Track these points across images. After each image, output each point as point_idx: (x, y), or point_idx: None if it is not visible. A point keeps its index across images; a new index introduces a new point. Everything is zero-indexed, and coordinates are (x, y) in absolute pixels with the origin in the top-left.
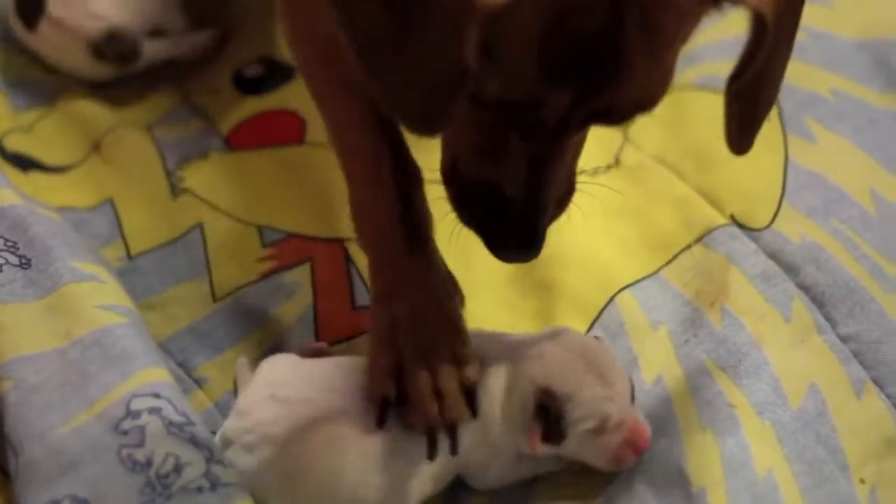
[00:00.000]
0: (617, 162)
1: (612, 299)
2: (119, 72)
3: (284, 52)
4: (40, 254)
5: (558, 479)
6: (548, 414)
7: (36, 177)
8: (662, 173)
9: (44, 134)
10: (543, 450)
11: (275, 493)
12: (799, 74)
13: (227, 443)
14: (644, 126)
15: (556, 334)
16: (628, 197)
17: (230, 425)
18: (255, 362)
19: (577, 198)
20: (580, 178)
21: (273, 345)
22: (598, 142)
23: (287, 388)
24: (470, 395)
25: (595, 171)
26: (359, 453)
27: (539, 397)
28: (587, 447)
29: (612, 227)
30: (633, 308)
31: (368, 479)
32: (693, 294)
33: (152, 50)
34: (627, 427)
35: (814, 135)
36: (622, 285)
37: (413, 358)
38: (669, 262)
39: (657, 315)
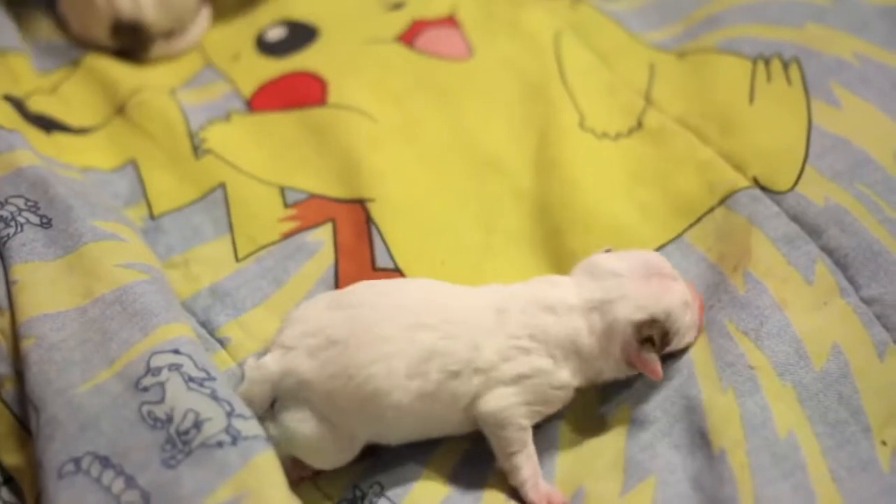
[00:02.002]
0: (639, 125)
1: None
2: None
3: (305, 12)
4: (61, 213)
5: (580, 436)
6: (653, 341)
7: (59, 138)
8: (685, 137)
9: (67, 95)
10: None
11: (330, 398)
12: (822, 38)
13: (286, 349)
14: (667, 89)
15: (613, 267)
16: (650, 161)
17: (290, 333)
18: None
19: (600, 161)
20: (605, 142)
21: (296, 304)
22: (620, 106)
23: (343, 296)
24: None
25: (618, 136)
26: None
27: (641, 332)
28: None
29: (634, 191)
30: None
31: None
32: (716, 258)
33: (162, 48)
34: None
35: (838, 99)
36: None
37: None
38: (692, 224)
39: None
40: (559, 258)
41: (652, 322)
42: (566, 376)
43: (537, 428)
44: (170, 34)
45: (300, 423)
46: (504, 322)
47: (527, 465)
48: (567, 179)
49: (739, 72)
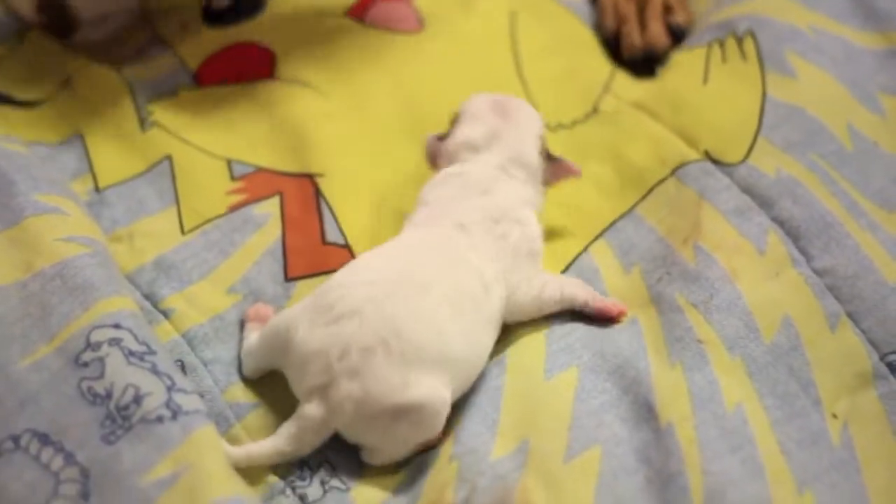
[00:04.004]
0: (595, 111)
1: (585, 248)
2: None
3: None
4: (2, 187)
5: (526, 391)
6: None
7: (5, 111)
8: (638, 116)
9: (13, 69)
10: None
11: (374, 353)
12: (776, 8)
13: (321, 389)
14: (625, 79)
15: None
16: (604, 139)
17: (315, 370)
18: (226, 294)
19: (555, 145)
20: (558, 133)
21: (241, 278)
22: (576, 91)
23: (329, 305)
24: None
25: (573, 123)
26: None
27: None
28: None
29: (588, 168)
30: (606, 255)
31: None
32: (666, 231)
33: (87, 33)
34: None
35: (793, 68)
36: (598, 230)
37: None
38: (644, 197)
39: (631, 257)
40: None
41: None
42: (533, 218)
43: (481, 381)
44: (100, 21)
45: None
46: (471, 232)
47: (575, 289)
48: None
49: (693, 57)
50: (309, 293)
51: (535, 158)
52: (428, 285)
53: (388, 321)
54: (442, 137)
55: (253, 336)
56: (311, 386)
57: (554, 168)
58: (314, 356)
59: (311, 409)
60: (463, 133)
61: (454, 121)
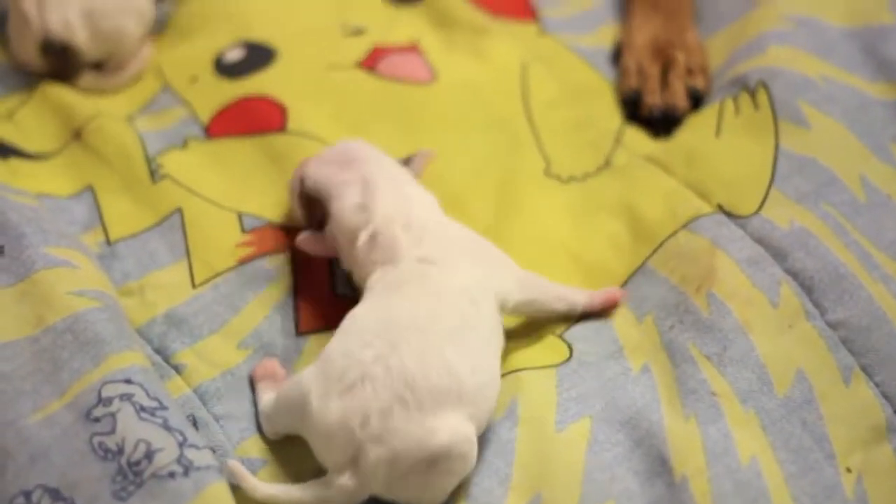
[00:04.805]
0: (607, 164)
1: None
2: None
3: (264, 34)
4: (13, 240)
5: (538, 444)
6: None
7: (15, 164)
8: (651, 170)
9: (24, 121)
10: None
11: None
12: (789, 59)
13: (351, 460)
14: (637, 132)
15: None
16: (616, 194)
17: (340, 443)
18: (236, 349)
19: (565, 204)
20: (570, 186)
21: (252, 332)
22: (588, 143)
23: (337, 376)
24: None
25: (585, 176)
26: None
27: None
28: None
29: (599, 224)
30: (619, 309)
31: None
32: (679, 279)
33: (92, 79)
34: None
35: (806, 119)
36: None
37: None
38: (655, 250)
39: (644, 308)
40: None
41: None
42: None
43: (493, 434)
44: (102, 65)
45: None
46: (433, 260)
47: (566, 291)
48: (529, 222)
49: (707, 114)
50: (320, 347)
51: (402, 173)
52: (424, 327)
53: (398, 376)
54: (313, 227)
55: (267, 397)
56: (340, 460)
57: (415, 165)
58: (336, 429)
59: (343, 481)
60: (339, 208)
61: (308, 205)
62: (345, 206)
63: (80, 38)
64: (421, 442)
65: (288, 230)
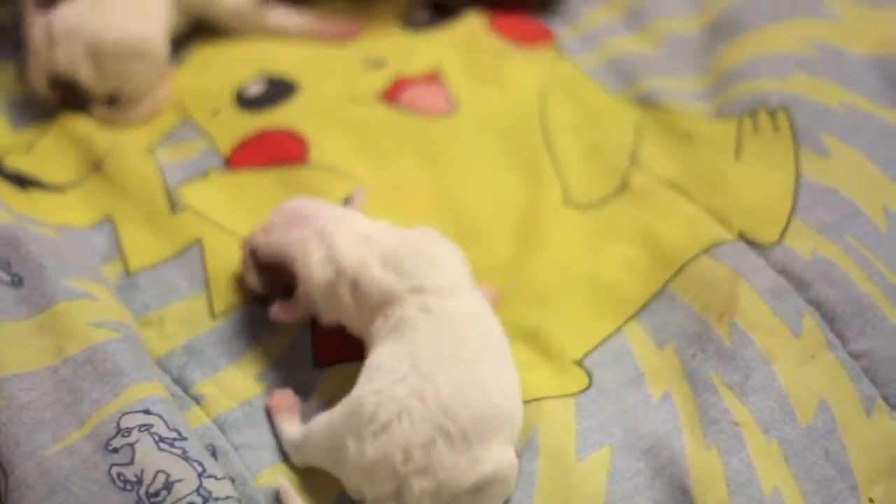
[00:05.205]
0: (624, 185)
1: (617, 329)
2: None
3: (285, 67)
4: (33, 272)
5: (559, 473)
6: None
7: (35, 195)
8: (670, 195)
9: (44, 153)
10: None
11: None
12: (810, 88)
13: (366, 424)
14: (652, 150)
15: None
16: (635, 219)
17: (362, 412)
18: (255, 380)
19: (584, 232)
20: (589, 213)
21: (271, 364)
22: (604, 165)
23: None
24: None
25: (603, 200)
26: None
27: None
28: None
29: (618, 249)
30: (639, 335)
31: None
32: (701, 307)
33: (105, 112)
34: None
35: (826, 148)
36: (630, 311)
37: None
38: (676, 274)
39: (665, 335)
40: (539, 315)
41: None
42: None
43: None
44: (115, 99)
45: None
46: (425, 290)
47: None
48: (548, 253)
49: (725, 130)
50: (338, 379)
51: (349, 214)
52: (452, 356)
53: (437, 408)
54: (279, 296)
55: (290, 428)
56: (382, 494)
57: (355, 203)
58: (376, 467)
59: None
60: (304, 266)
61: (268, 275)
62: (310, 262)
63: (86, 75)
64: (467, 472)
65: None
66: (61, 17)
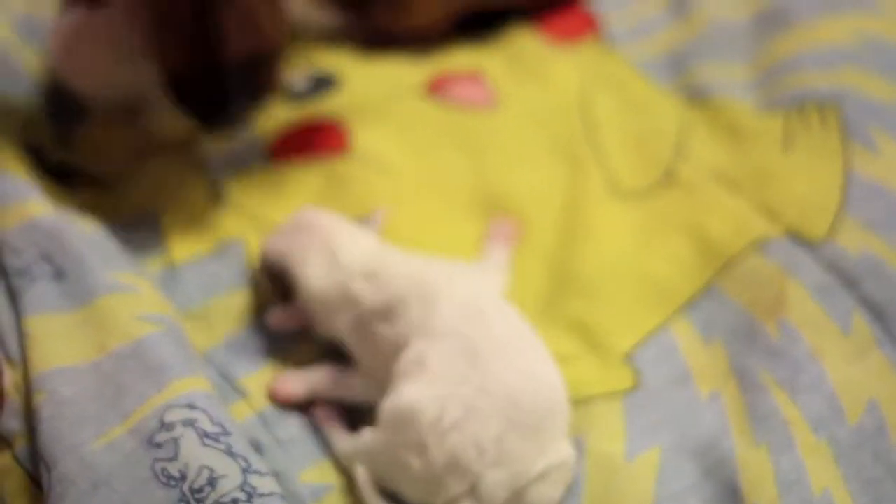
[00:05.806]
0: (669, 176)
1: (663, 324)
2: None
3: (329, 63)
4: (76, 265)
5: (607, 474)
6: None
7: (78, 189)
8: (715, 188)
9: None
10: None
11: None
12: (860, 82)
13: (431, 430)
14: (698, 144)
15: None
16: (680, 211)
17: (425, 418)
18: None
19: (628, 223)
20: (635, 205)
21: (314, 359)
22: (649, 156)
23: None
24: None
25: (647, 190)
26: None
27: None
28: None
29: (664, 241)
30: (686, 331)
31: None
32: (748, 304)
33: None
34: None
35: (876, 144)
36: (674, 304)
37: None
38: (723, 269)
39: (712, 331)
40: (585, 306)
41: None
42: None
43: None
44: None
45: None
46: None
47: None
48: (593, 245)
49: (773, 124)
50: None
51: (358, 230)
52: (502, 350)
53: (502, 401)
54: (280, 301)
55: (345, 441)
56: (456, 493)
57: (374, 223)
58: (448, 471)
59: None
60: (305, 276)
61: (274, 280)
62: (308, 273)
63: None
64: (536, 459)
65: None
66: None
